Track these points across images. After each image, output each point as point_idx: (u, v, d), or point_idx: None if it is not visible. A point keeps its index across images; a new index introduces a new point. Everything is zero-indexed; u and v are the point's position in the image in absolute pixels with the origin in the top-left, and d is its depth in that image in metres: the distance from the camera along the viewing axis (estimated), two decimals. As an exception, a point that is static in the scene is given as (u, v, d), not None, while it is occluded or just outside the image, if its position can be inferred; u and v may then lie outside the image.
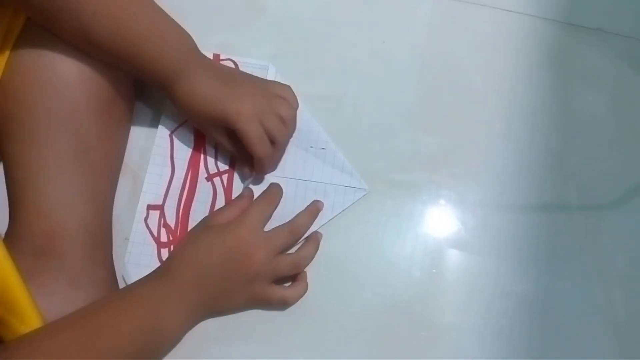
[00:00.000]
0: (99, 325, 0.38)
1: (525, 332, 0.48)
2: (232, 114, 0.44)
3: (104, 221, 0.45)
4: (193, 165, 0.50)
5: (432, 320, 0.48)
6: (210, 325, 0.46)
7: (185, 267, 0.43)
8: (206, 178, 0.50)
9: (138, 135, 0.51)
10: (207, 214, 0.48)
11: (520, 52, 0.57)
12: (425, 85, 0.55)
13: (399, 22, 0.58)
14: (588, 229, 0.52)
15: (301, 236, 0.48)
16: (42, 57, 0.41)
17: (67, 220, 0.41)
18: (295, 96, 0.49)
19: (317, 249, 0.48)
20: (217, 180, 0.50)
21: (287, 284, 0.48)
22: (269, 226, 0.47)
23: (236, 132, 0.45)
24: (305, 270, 0.48)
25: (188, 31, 0.45)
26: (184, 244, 0.45)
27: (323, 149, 0.51)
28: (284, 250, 0.46)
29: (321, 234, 0.49)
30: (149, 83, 0.45)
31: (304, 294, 0.47)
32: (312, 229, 0.49)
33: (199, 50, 0.46)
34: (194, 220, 0.48)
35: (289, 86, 0.49)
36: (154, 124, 0.51)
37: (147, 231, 0.48)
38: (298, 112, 0.50)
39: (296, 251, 0.47)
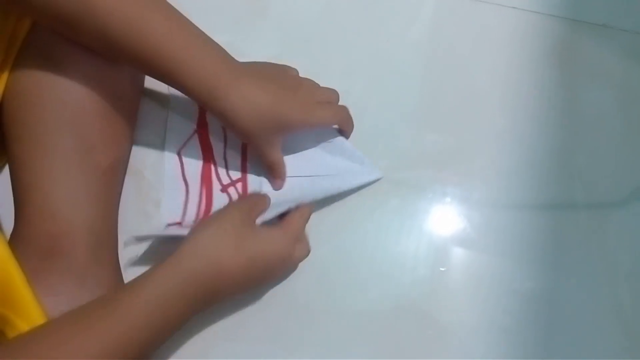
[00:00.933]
0: (99, 321, 0.37)
1: (532, 330, 0.48)
2: (304, 114, 0.44)
3: (110, 221, 0.45)
4: (206, 180, 0.49)
5: (438, 318, 0.48)
6: (217, 325, 0.46)
7: (197, 260, 0.39)
8: (221, 190, 0.49)
9: (143, 134, 0.51)
10: None
11: (525, 49, 0.57)
12: (429, 83, 0.55)
13: (402, 21, 0.57)
14: (594, 227, 0.51)
15: None
16: (48, 59, 0.41)
17: (72, 221, 0.41)
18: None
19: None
20: (231, 190, 0.49)
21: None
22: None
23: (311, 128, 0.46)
24: (310, 265, 0.47)
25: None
26: (201, 232, 0.41)
27: (330, 142, 0.50)
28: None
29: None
30: (194, 99, 0.42)
31: (307, 255, 0.47)
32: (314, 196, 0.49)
33: (227, 53, 0.44)
34: None
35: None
36: (159, 123, 0.51)
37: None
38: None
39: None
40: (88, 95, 0.42)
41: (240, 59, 0.44)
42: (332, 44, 0.56)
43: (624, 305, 0.49)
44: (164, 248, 0.48)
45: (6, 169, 0.47)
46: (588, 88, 0.56)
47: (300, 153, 0.50)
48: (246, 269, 0.40)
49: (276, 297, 0.48)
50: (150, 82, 0.53)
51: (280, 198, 0.48)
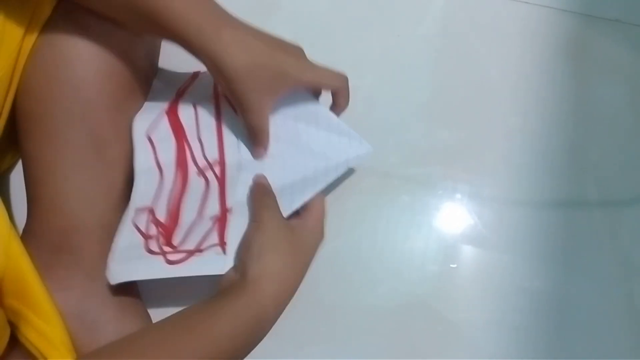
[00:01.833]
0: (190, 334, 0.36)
1: (542, 329, 0.48)
2: (297, 71, 0.41)
3: (120, 215, 0.45)
4: (181, 164, 0.46)
5: (447, 316, 0.48)
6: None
7: (271, 281, 0.38)
8: (197, 173, 0.46)
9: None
10: (198, 204, 0.45)
11: (537, 44, 0.56)
12: (440, 78, 0.55)
13: (413, 16, 0.57)
14: (607, 224, 0.51)
15: None
16: (60, 55, 0.41)
17: (84, 216, 0.42)
18: None
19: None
20: (209, 173, 0.46)
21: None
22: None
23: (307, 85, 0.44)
24: (320, 261, 0.47)
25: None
26: (261, 254, 0.38)
27: (314, 114, 0.46)
28: None
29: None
30: (181, 42, 0.40)
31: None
32: (318, 188, 0.44)
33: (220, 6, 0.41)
34: (185, 211, 0.44)
35: None
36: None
37: (135, 229, 0.43)
38: None
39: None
40: (99, 90, 0.42)
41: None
42: (342, 39, 0.56)
43: (637, 303, 0.49)
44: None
45: (19, 166, 0.47)
46: (600, 83, 0.55)
47: (283, 128, 0.46)
48: (302, 272, 0.40)
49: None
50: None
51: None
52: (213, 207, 0.45)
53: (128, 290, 0.44)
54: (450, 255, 0.50)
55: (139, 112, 0.46)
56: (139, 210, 0.44)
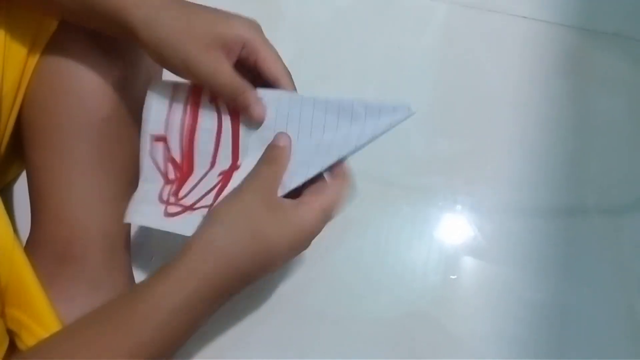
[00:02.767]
0: (117, 324, 0.35)
1: (543, 340, 0.48)
2: (244, 33, 0.38)
3: (124, 226, 0.45)
4: (194, 92, 0.42)
5: (448, 326, 0.48)
6: (227, 329, 0.46)
7: (212, 262, 0.35)
8: (209, 100, 0.42)
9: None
10: (212, 144, 0.42)
11: (536, 58, 0.57)
12: (441, 90, 0.55)
13: (414, 28, 0.58)
14: (607, 235, 0.51)
15: None
16: (65, 66, 0.42)
17: (87, 226, 0.42)
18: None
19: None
20: (223, 108, 0.42)
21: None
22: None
23: (250, 56, 0.39)
24: (321, 270, 0.47)
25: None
26: (214, 224, 0.36)
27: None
28: None
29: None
30: (110, 29, 0.38)
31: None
32: (344, 151, 0.39)
33: None
34: (199, 153, 0.42)
35: None
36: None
37: (154, 166, 0.42)
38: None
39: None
40: (105, 102, 0.42)
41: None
42: (345, 50, 0.56)
43: (637, 312, 0.49)
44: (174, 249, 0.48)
45: (23, 176, 0.47)
46: (599, 96, 0.56)
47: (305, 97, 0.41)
48: (265, 260, 0.36)
49: (287, 302, 0.48)
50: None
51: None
52: (225, 158, 0.42)
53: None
54: (451, 266, 0.50)
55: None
56: (155, 139, 0.42)
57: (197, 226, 0.37)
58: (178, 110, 0.42)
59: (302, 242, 0.37)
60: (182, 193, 0.41)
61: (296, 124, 0.41)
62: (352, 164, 0.51)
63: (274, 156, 0.39)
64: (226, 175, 0.41)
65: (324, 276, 0.48)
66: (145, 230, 0.49)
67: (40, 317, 0.38)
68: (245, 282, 0.37)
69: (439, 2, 0.59)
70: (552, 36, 0.58)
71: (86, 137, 0.42)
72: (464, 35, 0.58)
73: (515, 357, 0.47)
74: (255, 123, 0.41)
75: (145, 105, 0.42)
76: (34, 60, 0.42)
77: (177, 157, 0.42)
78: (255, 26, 0.40)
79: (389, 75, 0.56)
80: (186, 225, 0.38)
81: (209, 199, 0.40)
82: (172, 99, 0.42)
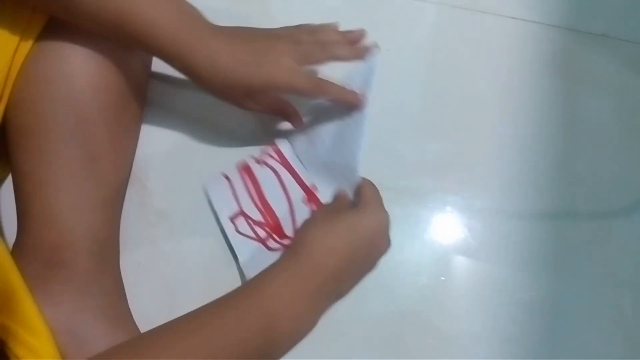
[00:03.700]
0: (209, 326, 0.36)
1: (534, 339, 0.48)
2: (268, 79, 0.42)
3: (112, 230, 0.45)
4: (240, 165, 0.50)
5: (440, 327, 0.48)
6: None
7: (311, 248, 0.39)
8: (257, 161, 0.50)
9: (145, 143, 0.51)
10: (279, 188, 0.48)
11: (525, 59, 0.57)
12: (430, 92, 0.55)
13: (403, 30, 0.58)
14: (596, 236, 0.51)
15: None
16: (51, 69, 0.41)
17: (75, 230, 0.41)
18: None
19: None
20: (268, 159, 0.50)
21: None
22: None
23: (283, 93, 0.44)
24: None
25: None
26: (309, 228, 0.41)
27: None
28: None
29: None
30: (167, 61, 0.42)
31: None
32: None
33: (203, 16, 0.43)
34: (275, 202, 0.48)
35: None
36: (161, 131, 0.52)
37: (246, 239, 0.47)
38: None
39: None
40: (93, 105, 0.42)
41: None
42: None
43: (626, 313, 0.49)
44: (162, 255, 0.48)
45: (9, 179, 0.47)
46: (588, 97, 0.56)
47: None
48: (353, 254, 0.40)
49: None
50: (155, 91, 0.53)
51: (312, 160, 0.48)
52: (296, 191, 0.48)
53: (119, 305, 0.43)
54: (442, 266, 0.50)
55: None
56: (234, 219, 0.48)
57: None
58: (238, 183, 0.49)
59: (376, 236, 0.41)
60: (288, 232, 0.47)
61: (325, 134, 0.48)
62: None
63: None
64: (310, 197, 0.48)
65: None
66: (134, 236, 0.48)
67: (27, 323, 0.38)
68: (344, 282, 0.41)
69: (428, 2, 0.59)
70: (541, 37, 0.58)
71: (73, 140, 0.41)
72: (453, 36, 0.58)
73: (506, 356, 0.48)
74: (302, 149, 0.49)
75: (211, 200, 0.48)
76: (20, 59, 0.42)
77: (259, 217, 0.48)
78: (319, 82, 0.45)
79: (378, 78, 0.56)
80: None
81: None
82: (228, 179, 0.49)
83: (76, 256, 0.41)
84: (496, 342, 0.48)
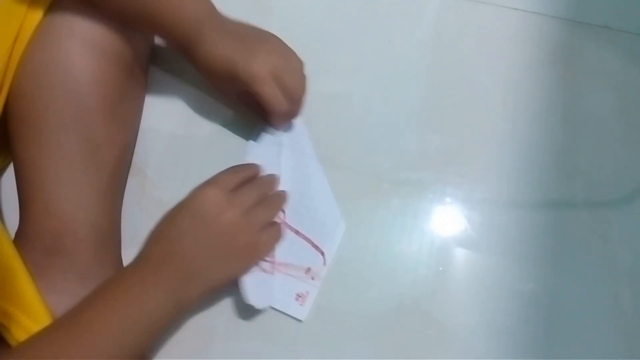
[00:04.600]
0: (79, 325, 0.37)
1: (533, 330, 0.48)
2: (247, 76, 0.44)
3: (113, 219, 0.45)
4: None
5: (439, 319, 0.48)
6: (217, 323, 0.47)
7: (156, 241, 0.41)
8: None
9: (145, 133, 0.51)
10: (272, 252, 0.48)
11: (526, 50, 0.57)
12: (432, 84, 0.55)
13: (405, 22, 0.58)
14: (595, 227, 0.51)
15: (269, 190, 0.48)
16: (51, 59, 0.41)
17: (76, 219, 0.42)
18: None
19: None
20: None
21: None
22: None
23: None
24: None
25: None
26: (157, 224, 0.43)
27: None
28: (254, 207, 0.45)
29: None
30: (170, 45, 0.45)
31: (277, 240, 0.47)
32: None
33: (216, 10, 0.45)
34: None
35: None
36: (161, 121, 0.52)
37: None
38: (296, 125, 0.51)
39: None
40: (93, 95, 0.42)
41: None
42: (335, 45, 0.56)
43: (625, 305, 0.49)
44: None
45: (11, 168, 0.47)
46: (589, 89, 0.56)
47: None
48: (177, 234, 0.41)
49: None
50: (155, 82, 0.53)
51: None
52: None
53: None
54: (442, 258, 0.50)
55: None
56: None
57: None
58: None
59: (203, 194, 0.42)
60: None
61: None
62: (343, 159, 0.52)
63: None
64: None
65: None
66: (135, 224, 0.49)
67: (29, 309, 0.38)
68: (193, 271, 0.40)
69: (430, -6, 0.59)
70: (542, 28, 0.58)
71: (74, 129, 0.42)
72: (455, 28, 0.58)
73: (504, 348, 0.48)
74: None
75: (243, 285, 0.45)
76: (20, 48, 0.42)
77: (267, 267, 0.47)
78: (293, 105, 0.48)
79: (380, 70, 0.56)
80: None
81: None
82: None
83: (77, 245, 0.41)
84: (495, 333, 0.48)
